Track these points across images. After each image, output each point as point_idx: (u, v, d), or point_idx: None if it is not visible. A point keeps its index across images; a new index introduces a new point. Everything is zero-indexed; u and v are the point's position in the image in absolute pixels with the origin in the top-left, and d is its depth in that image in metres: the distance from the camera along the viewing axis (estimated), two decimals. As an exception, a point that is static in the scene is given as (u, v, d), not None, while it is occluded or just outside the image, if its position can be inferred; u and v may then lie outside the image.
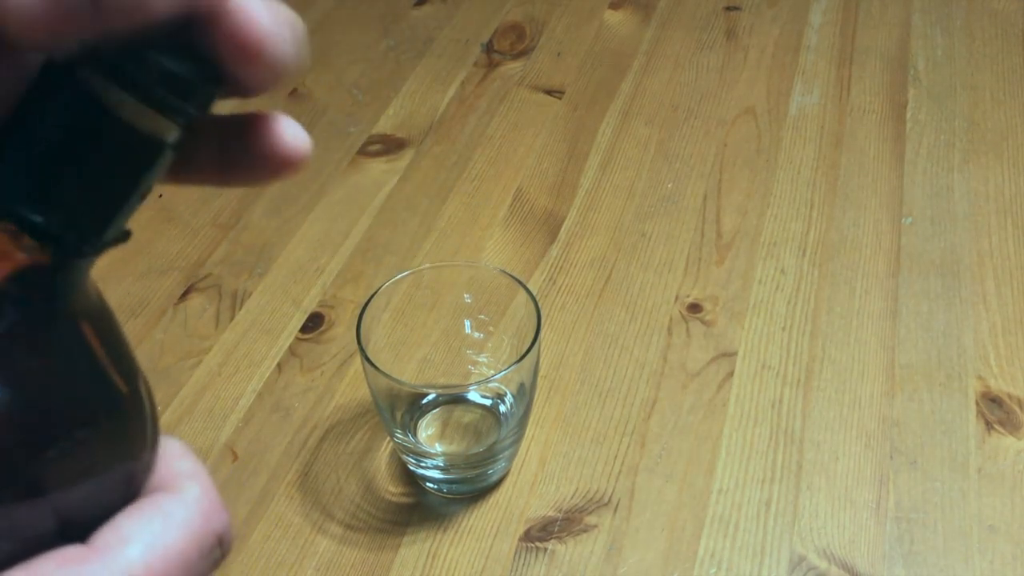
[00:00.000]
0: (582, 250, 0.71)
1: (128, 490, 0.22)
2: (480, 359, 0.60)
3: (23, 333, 0.20)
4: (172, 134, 0.21)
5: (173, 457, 0.23)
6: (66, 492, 0.21)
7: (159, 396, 0.63)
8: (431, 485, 0.57)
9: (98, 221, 0.21)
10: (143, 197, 0.21)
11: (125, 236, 0.22)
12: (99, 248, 0.21)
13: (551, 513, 0.55)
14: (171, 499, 0.22)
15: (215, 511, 0.22)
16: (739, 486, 0.56)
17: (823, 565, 0.53)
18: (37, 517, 0.20)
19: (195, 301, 0.69)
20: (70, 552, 0.20)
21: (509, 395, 0.57)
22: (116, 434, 0.22)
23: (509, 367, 0.52)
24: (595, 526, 0.55)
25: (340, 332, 0.66)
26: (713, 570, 0.53)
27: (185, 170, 0.23)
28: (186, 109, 0.20)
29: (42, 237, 0.20)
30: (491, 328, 0.59)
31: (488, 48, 0.93)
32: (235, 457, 0.59)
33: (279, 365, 0.64)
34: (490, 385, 0.58)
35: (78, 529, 0.20)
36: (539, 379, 0.60)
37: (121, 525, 0.20)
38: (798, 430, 0.59)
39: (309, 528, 0.55)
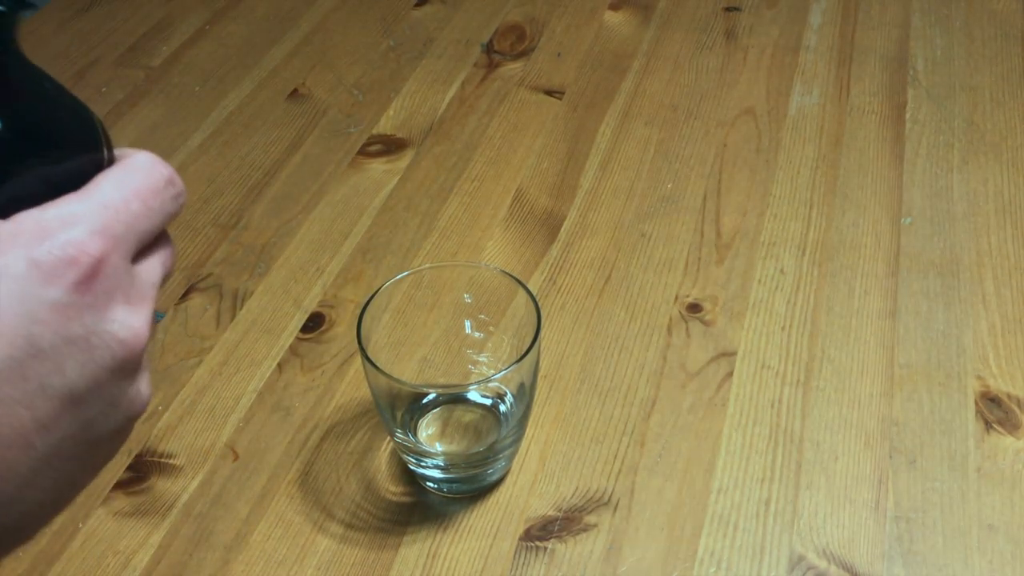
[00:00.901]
0: (582, 250, 0.72)
1: (101, 164, 0.31)
2: (480, 359, 0.60)
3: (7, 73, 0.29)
4: None
5: (133, 151, 0.32)
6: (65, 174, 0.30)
7: (160, 396, 0.63)
8: (431, 484, 0.57)
9: None
10: None
11: (33, 4, 0.29)
12: (21, 5, 0.29)
13: (551, 512, 0.56)
14: (123, 162, 0.31)
15: (160, 163, 0.32)
16: (738, 485, 0.56)
17: (822, 564, 0.53)
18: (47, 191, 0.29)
19: (196, 301, 0.69)
20: (64, 196, 0.29)
21: (509, 395, 0.57)
22: (100, 124, 0.32)
23: (509, 367, 0.52)
24: (595, 525, 0.55)
25: (340, 332, 0.66)
26: (712, 569, 0.53)
27: None
28: None
29: None
30: (491, 328, 0.59)
31: (488, 48, 0.93)
32: (236, 456, 0.59)
33: (280, 365, 0.64)
34: (490, 385, 0.58)
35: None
36: (539, 379, 0.61)
37: (96, 179, 0.30)
38: (797, 430, 0.59)
39: (309, 527, 0.55)
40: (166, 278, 0.33)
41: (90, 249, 0.28)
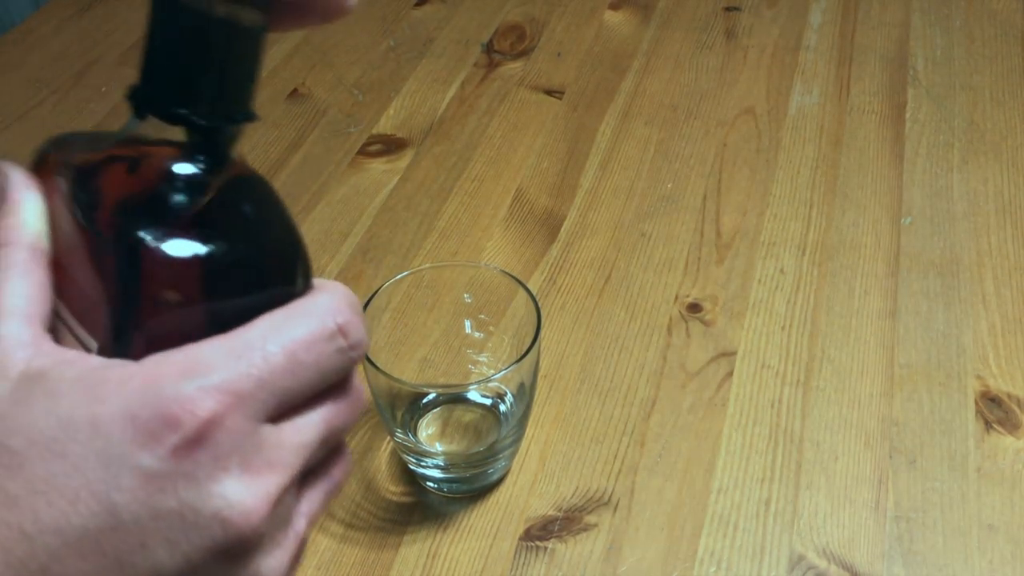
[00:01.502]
0: (582, 250, 0.72)
1: (284, 301, 0.28)
2: (480, 359, 0.60)
3: (231, 196, 0.28)
4: (261, 18, 0.28)
5: (328, 286, 0.28)
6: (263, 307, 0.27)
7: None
8: (431, 484, 0.57)
9: (239, 100, 0.28)
10: (259, 71, 0.29)
11: (255, 116, 0.29)
12: (243, 120, 0.28)
13: (551, 512, 0.56)
14: (294, 304, 0.27)
15: (338, 309, 0.27)
16: (738, 485, 0.57)
17: (822, 564, 0.53)
18: (225, 325, 0.26)
19: (196, 301, 0.69)
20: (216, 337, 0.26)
21: (509, 395, 0.57)
22: (297, 257, 0.29)
23: (509, 367, 0.52)
24: (595, 525, 0.55)
25: (340, 332, 0.66)
26: (712, 569, 0.53)
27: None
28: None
29: (205, 121, 0.27)
30: (491, 328, 0.59)
31: (488, 48, 0.93)
32: (236, 457, 0.59)
33: (280, 365, 0.64)
34: (490, 385, 0.58)
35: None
36: (539, 379, 0.61)
37: (252, 321, 0.26)
38: (797, 429, 0.59)
39: (310, 527, 0.55)
40: (332, 440, 0.28)
41: (200, 408, 0.24)
